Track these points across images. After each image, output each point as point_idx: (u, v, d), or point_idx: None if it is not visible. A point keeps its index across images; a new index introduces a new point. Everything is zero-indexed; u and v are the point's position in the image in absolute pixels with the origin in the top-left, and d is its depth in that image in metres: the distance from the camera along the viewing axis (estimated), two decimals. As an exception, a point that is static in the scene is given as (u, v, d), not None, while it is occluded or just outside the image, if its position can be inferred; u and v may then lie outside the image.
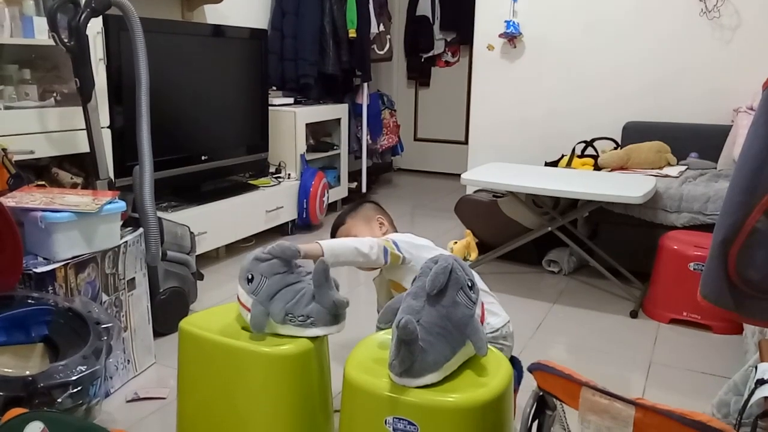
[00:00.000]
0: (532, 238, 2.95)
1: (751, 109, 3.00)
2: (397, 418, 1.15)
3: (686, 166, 3.13)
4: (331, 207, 4.18)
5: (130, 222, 2.11)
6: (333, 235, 1.93)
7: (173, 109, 3.01)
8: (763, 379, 1.12)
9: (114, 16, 2.33)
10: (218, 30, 3.29)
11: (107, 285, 1.92)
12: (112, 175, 2.43)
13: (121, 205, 1.91)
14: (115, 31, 2.54)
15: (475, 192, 3.43)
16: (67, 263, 1.77)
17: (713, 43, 3.31)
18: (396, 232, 1.90)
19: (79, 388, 1.49)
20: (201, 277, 2.61)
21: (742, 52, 3.24)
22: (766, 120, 1.06)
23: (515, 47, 3.79)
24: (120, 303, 1.98)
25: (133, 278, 2.04)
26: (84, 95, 2.21)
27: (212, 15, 3.59)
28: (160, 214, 2.58)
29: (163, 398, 1.93)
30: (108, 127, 2.51)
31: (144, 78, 2.15)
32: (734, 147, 2.94)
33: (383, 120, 4.96)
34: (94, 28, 2.38)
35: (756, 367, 1.21)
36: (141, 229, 2.09)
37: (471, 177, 2.93)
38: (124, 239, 1.97)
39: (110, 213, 1.87)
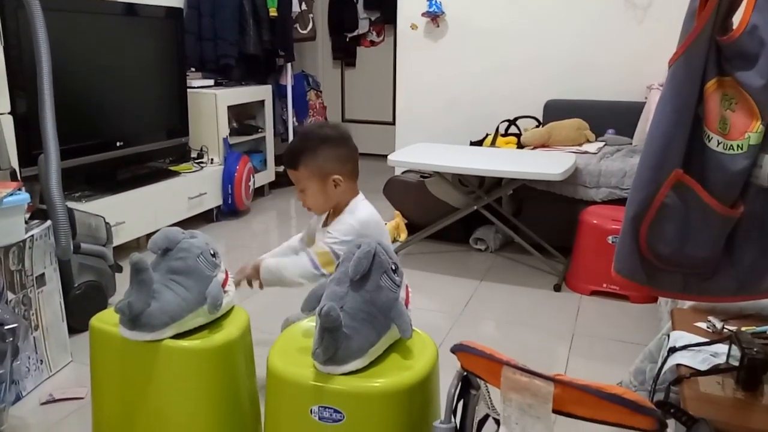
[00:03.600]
0: (458, 217, 2.98)
1: (662, 86, 3.12)
2: (322, 407, 1.13)
3: (604, 143, 3.23)
4: (258, 192, 4.08)
5: (38, 214, 1.99)
6: (286, 167, 1.72)
7: (83, 93, 2.84)
8: (674, 347, 1.17)
9: (9, -8, 2.17)
10: (130, 8, 3.12)
11: (13, 282, 1.80)
12: (15, 164, 2.27)
13: (24, 197, 1.79)
14: (12, 9, 2.36)
15: (403, 173, 3.43)
16: (-35, 261, 1.64)
17: (628, 23, 3.41)
18: (355, 187, 1.78)
19: (-18, 395, 1.40)
20: (119, 269, 2.49)
21: (654, 31, 3.36)
22: (672, 96, 1.09)
23: (438, 26, 3.78)
24: (29, 301, 1.87)
25: (43, 274, 1.92)
26: (-21, 79, 2.05)
27: (123, -8, 3.39)
28: (72, 204, 2.45)
29: (81, 398, 1.84)
30: (9, 113, 2.35)
31: (45, 60, 2.01)
32: (647, 123, 3.05)
33: (309, 101, 4.88)
34: (-12, 5, 2.21)
35: (668, 336, 1.26)
36: (49, 222, 1.97)
37: (397, 158, 2.92)
38: (29, 233, 1.85)
39: (11, 206, 1.75)
